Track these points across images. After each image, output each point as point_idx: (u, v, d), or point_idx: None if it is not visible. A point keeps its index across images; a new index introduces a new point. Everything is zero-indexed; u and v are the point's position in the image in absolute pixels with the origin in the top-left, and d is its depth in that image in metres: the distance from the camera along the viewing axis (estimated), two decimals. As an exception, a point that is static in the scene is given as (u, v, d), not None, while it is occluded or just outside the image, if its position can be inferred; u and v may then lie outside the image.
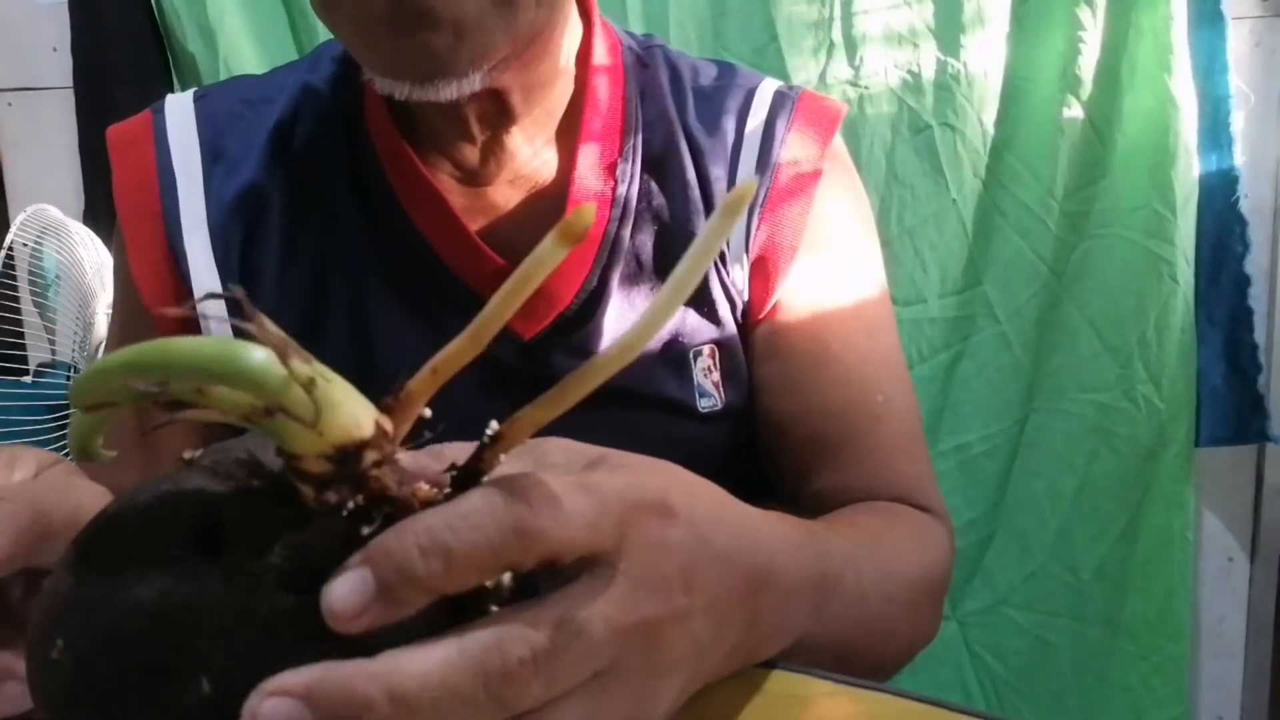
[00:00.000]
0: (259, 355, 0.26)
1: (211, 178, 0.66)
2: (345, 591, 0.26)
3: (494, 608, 0.29)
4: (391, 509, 0.28)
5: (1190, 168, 1.19)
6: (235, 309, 0.26)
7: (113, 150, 0.68)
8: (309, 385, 0.26)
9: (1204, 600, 1.37)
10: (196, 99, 0.70)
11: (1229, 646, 1.39)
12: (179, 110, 0.69)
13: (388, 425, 0.28)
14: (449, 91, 0.56)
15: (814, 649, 0.47)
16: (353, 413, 0.27)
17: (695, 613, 0.33)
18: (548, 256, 0.26)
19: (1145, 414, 1.23)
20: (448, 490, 0.29)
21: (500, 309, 0.27)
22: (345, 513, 0.27)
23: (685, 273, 0.27)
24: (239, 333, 0.27)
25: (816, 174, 0.69)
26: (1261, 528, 1.36)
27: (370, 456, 0.27)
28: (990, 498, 1.29)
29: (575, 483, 0.30)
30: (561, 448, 0.35)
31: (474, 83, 0.56)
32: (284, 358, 0.26)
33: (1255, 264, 1.24)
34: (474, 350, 0.28)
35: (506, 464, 0.31)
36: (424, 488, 0.28)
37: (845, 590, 0.49)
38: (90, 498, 0.37)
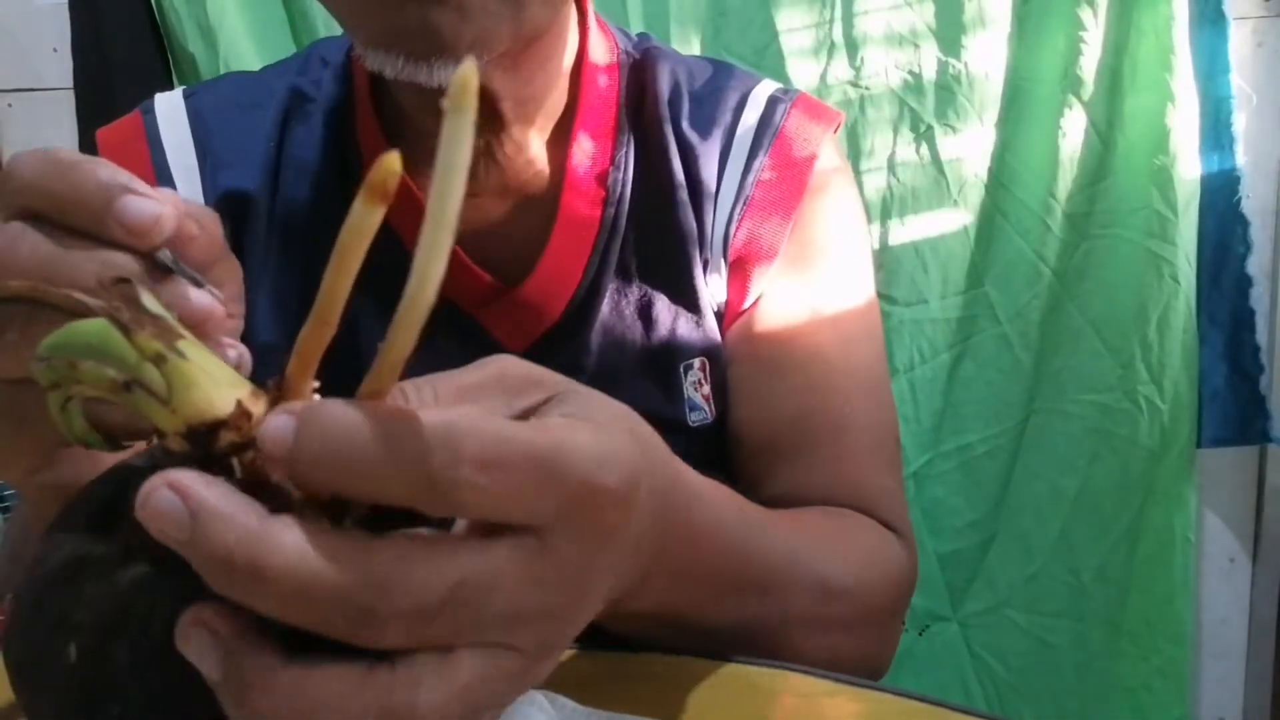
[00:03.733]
0: (97, 327, 0.26)
1: (205, 177, 0.66)
2: (275, 431, 0.25)
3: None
4: (271, 495, 0.26)
5: (1192, 168, 1.19)
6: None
7: (105, 153, 0.67)
8: (157, 360, 0.26)
9: (1205, 601, 1.36)
10: (186, 97, 0.69)
11: (1230, 648, 1.38)
12: (170, 109, 0.68)
13: (254, 407, 0.27)
14: (443, 75, 0.53)
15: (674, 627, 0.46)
16: (206, 392, 0.26)
17: (603, 595, 0.31)
18: (362, 223, 0.25)
19: (1147, 415, 1.22)
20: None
21: (333, 285, 0.26)
22: None
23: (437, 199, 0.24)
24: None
25: (803, 181, 0.67)
26: (1263, 529, 1.36)
27: (226, 437, 0.26)
28: (991, 499, 1.29)
29: (539, 454, 0.26)
30: (523, 371, 0.32)
31: None
32: (129, 332, 0.26)
33: (1257, 265, 1.24)
34: (326, 330, 0.26)
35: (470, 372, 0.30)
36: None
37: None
38: None
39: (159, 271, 0.32)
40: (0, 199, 0.32)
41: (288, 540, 0.25)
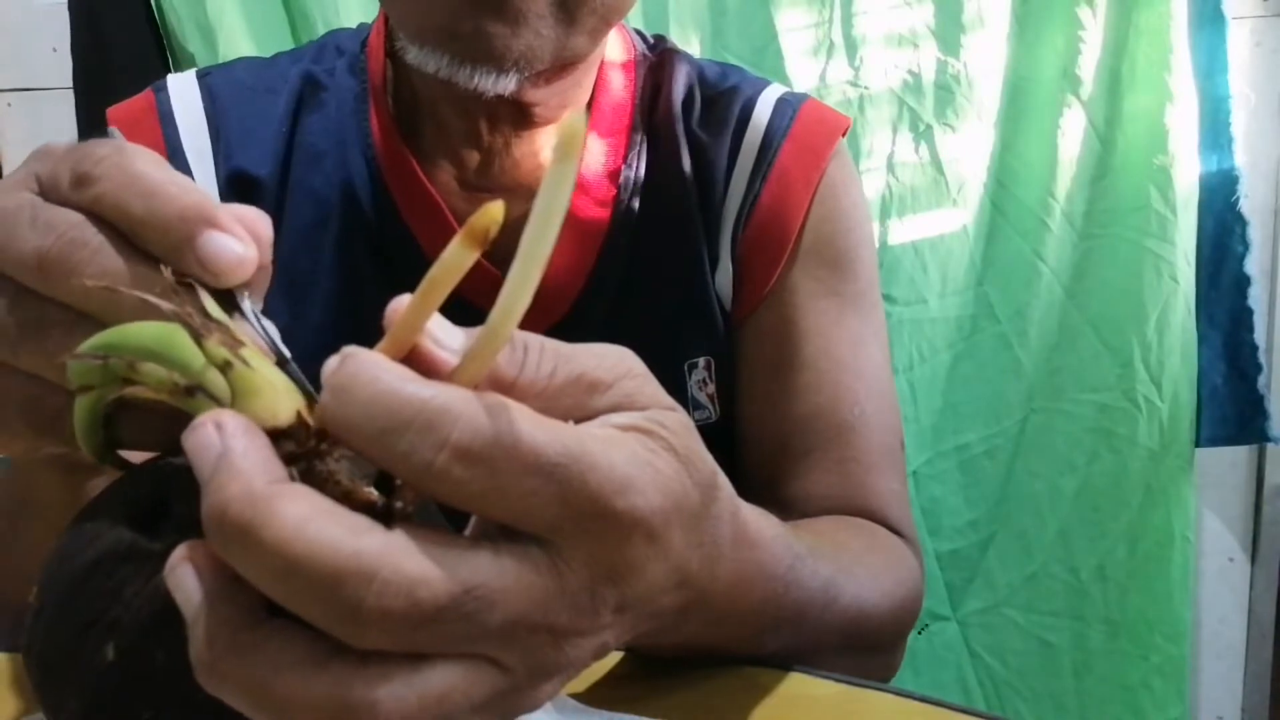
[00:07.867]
0: (160, 329, 0.26)
1: (218, 158, 0.66)
2: (328, 370, 0.25)
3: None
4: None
5: (1191, 168, 1.19)
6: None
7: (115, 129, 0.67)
8: (224, 368, 0.26)
9: (1204, 600, 1.37)
10: (200, 77, 0.69)
11: (1229, 647, 1.39)
12: (184, 89, 0.68)
13: (311, 418, 0.26)
14: (482, 81, 0.55)
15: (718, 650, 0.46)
16: (270, 401, 0.26)
17: (615, 626, 0.28)
18: (454, 262, 0.24)
19: (1146, 414, 1.23)
20: (379, 500, 0.26)
21: (412, 316, 0.25)
22: None
23: (532, 242, 0.24)
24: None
25: (811, 182, 0.68)
26: (1262, 528, 1.36)
27: (285, 447, 0.26)
28: (991, 498, 1.29)
29: (544, 459, 0.24)
30: (638, 375, 0.29)
31: (508, 84, 0.56)
32: (200, 339, 0.26)
33: (1256, 264, 1.24)
34: (399, 351, 0.26)
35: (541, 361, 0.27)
36: (362, 490, 0.26)
37: (794, 620, 0.46)
38: None
39: (228, 306, 0.30)
40: (74, 191, 0.30)
41: (287, 511, 0.23)
